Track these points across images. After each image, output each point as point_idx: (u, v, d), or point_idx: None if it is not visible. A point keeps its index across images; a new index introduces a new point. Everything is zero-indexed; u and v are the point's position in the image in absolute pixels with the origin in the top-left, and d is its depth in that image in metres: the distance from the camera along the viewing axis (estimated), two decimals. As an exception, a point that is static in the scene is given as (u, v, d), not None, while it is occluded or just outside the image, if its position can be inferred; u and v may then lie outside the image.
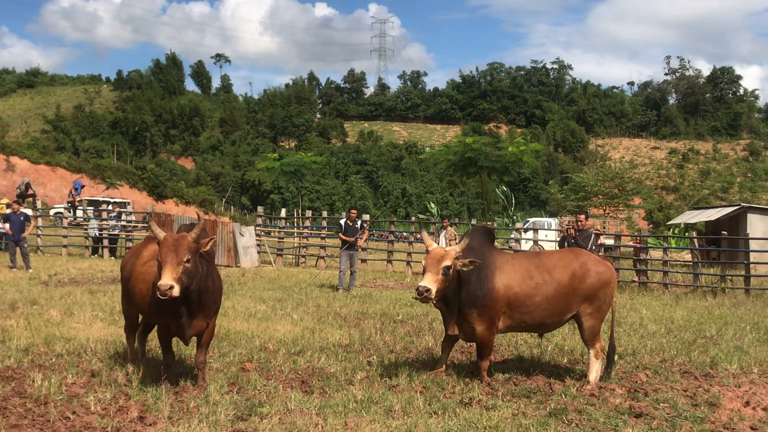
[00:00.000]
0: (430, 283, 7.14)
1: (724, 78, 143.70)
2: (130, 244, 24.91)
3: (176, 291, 6.15)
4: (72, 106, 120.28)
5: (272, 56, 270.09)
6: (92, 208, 32.02)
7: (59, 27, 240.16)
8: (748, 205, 33.31)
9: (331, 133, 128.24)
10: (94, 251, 25.69)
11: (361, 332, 10.70)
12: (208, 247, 6.67)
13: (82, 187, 46.20)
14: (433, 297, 7.11)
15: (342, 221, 17.91)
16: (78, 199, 39.96)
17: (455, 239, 18.54)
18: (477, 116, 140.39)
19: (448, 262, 7.27)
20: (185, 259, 6.31)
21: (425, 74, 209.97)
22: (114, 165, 77.81)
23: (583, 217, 13.79)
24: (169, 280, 6.14)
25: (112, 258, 24.52)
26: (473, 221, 31.95)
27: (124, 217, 27.09)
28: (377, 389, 7.23)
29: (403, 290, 18.10)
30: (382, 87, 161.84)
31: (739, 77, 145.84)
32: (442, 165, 39.80)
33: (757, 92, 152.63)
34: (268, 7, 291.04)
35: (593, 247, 13.08)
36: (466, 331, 7.79)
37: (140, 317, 7.79)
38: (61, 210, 38.44)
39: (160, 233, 6.44)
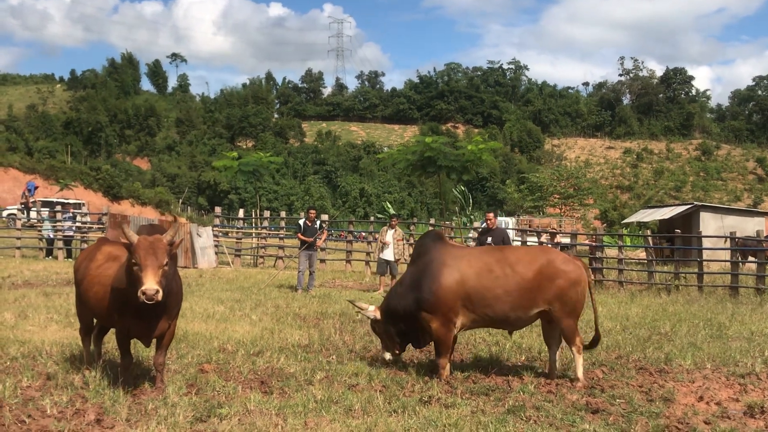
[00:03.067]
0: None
1: (676, 78, 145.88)
2: (85, 246, 24.55)
3: (161, 295, 6.08)
4: (25, 106, 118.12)
5: (227, 56, 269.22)
6: (46, 209, 31.47)
7: (8, 25, 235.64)
8: (700, 203, 33.98)
9: (289, 133, 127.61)
10: (48, 253, 25.31)
11: (320, 332, 10.68)
12: (176, 249, 6.63)
13: (36, 188, 45.39)
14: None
15: (301, 221, 17.85)
16: (31, 200, 39.25)
17: (402, 239, 18.56)
18: (434, 116, 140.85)
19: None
20: (165, 263, 6.25)
21: (383, 74, 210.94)
22: (68, 166, 76.60)
23: (492, 215, 13.27)
24: (154, 284, 6.06)
25: (68, 260, 24.15)
26: (432, 221, 32.07)
27: (78, 218, 26.69)
28: (337, 389, 7.23)
29: (362, 290, 18.15)
30: (340, 87, 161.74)
31: (692, 78, 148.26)
32: (400, 165, 39.81)
33: (708, 92, 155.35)
34: (222, 7, 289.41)
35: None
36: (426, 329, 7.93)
37: (95, 319, 7.71)
38: (15, 211, 37.73)
39: (133, 236, 6.33)
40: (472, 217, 41.85)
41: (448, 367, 7.92)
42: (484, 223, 13.56)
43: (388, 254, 17.99)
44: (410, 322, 8.07)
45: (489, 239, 12.81)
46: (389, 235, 18.17)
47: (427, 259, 7.99)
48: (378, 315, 8.29)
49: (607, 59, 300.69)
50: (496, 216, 13.51)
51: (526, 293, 7.72)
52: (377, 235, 19.85)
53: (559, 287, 7.73)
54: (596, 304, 8.42)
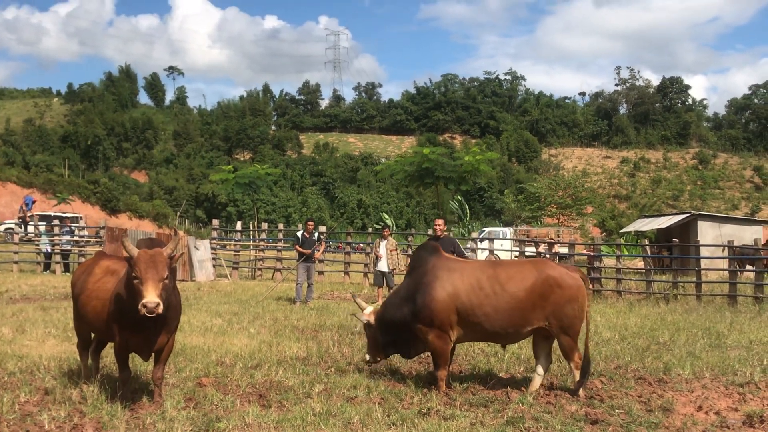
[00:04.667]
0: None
1: (673, 88, 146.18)
2: (83, 260, 24.52)
3: (161, 308, 6.09)
4: (22, 120, 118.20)
5: (223, 68, 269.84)
6: (44, 223, 31.49)
7: (4, 39, 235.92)
8: (698, 212, 33.99)
9: (287, 145, 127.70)
10: (46, 267, 25.28)
11: (318, 345, 10.66)
12: (176, 262, 6.64)
13: (33, 202, 45.48)
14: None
15: (299, 233, 17.85)
16: (29, 214, 39.25)
17: (396, 249, 18.57)
18: (432, 127, 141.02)
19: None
20: (165, 276, 6.26)
21: (380, 86, 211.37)
22: (66, 179, 76.68)
23: (441, 222, 12.45)
24: (155, 297, 6.06)
25: (66, 274, 24.12)
26: (429, 231, 32.09)
27: (76, 232, 26.68)
28: (335, 401, 7.22)
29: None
30: (337, 98, 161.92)
31: (688, 87, 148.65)
32: (399, 176, 39.97)
33: (705, 101, 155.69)
34: (217, 20, 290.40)
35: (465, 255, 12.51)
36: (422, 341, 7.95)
37: (93, 334, 7.69)
38: (12, 226, 37.77)
39: (134, 249, 6.34)
40: (470, 227, 41.91)
41: (446, 378, 7.91)
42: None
43: (383, 265, 18.00)
44: (403, 332, 8.07)
45: None
46: (382, 247, 18.22)
47: (422, 271, 7.99)
48: (371, 320, 8.30)
49: (603, 69, 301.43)
50: (446, 223, 13.06)
51: (517, 312, 7.64)
52: (373, 247, 19.88)
53: (554, 305, 7.64)
54: (589, 327, 8.09)
